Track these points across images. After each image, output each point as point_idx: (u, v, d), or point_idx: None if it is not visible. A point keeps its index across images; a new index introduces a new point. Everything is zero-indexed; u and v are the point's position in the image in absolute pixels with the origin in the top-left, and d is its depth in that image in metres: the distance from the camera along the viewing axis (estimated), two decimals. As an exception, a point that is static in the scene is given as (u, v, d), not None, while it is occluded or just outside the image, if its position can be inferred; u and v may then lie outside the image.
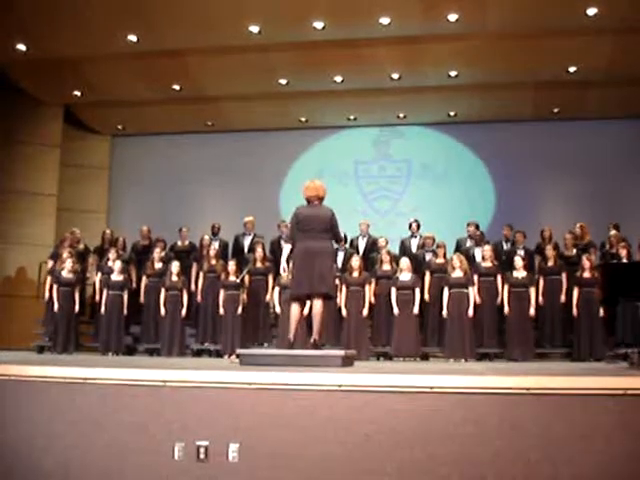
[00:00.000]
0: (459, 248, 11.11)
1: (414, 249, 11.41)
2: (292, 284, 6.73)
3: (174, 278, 10.49)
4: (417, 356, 9.81)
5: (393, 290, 9.90)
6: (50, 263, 11.44)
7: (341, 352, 6.15)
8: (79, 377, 4.69)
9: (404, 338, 9.76)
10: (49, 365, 5.10)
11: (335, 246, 10.54)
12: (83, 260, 11.74)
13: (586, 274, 9.73)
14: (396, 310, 9.83)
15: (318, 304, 6.50)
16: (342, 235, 6.94)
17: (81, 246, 12.08)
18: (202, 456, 4.23)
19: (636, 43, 11.03)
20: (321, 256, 6.50)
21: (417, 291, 9.93)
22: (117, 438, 4.47)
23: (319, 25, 10.93)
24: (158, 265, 10.93)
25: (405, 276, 9.97)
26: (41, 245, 13.42)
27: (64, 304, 10.52)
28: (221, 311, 10.23)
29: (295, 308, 6.60)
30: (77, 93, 13.70)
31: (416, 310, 9.85)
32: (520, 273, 9.91)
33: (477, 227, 11.59)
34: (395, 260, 10.52)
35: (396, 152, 14.99)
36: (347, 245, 11.36)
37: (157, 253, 11.02)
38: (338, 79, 12.84)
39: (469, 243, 11.39)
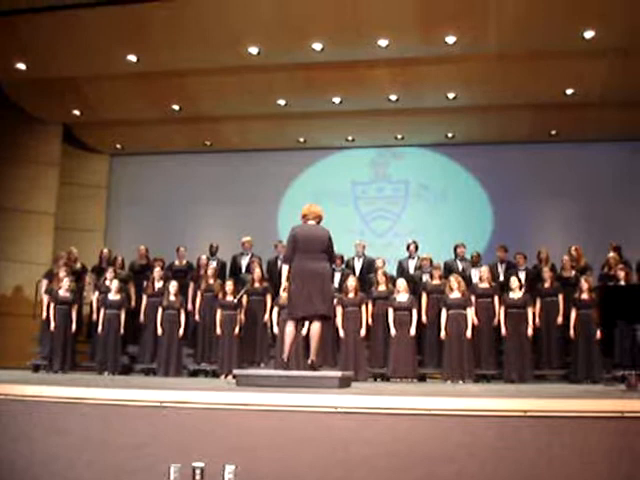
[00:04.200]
0: (449, 271, 11.07)
1: (412, 270, 11.41)
2: (289, 305, 6.72)
3: (172, 298, 10.48)
4: (414, 377, 9.79)
5: (390, 311, 9.89)
6: (45, 282, 11.41)
7: (338, 373, 6.14)
8: (75, 397, 4.67)
9: (401, 359, 9.74)
10: (45, 384, 5.09)
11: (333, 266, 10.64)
12: (80, 279, 11.72)
13: (584, 296, 9.74)
14: (393, 331, 9.83)
15: (316, 325, 6.49)
16: (335, 255, 6.94)
17: (78, 265, 12.06)
18: (198, 477, 4.20)
19: (632, 66, 11.12)
20: (319, 277, 6.50)
21: (414, 312, 9.93)
22: (113, 458, 4.44)
23: (318, 47, 11.01)
24: (159, 285, 10.92)
25: (402, 297, 9.97)
26: (38, 263, 13.40)
27: (61, 323, 10.53)
28: (218, 331, 10.21)
29: (291, 328, 6.58)
30: (76, 112, 13.74)
31: (413, 331, 9.85)
32: (516, 294, 9.92)
33: (465, 248, 11.62)
34: (391, 281, 10.53)
35: (394, 173, 15.01)
36: (343, 266, 11.38)
37: (157, 272, 11.01)
38: (336, 100, 12.89)
39: (460, 265, 11.40)
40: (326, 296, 6.56)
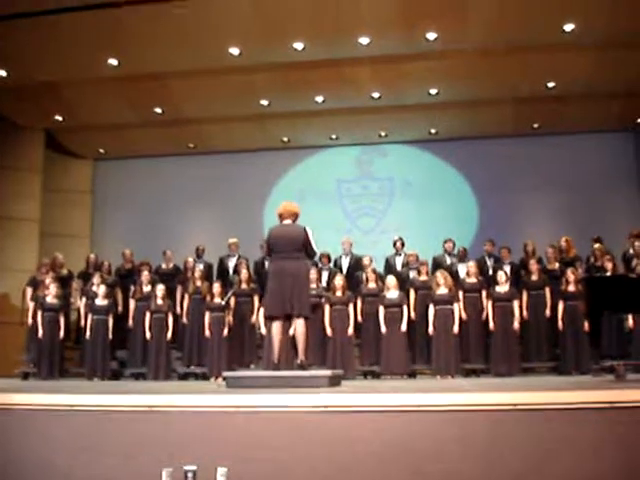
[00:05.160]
0: (438, 266, 11.09)
1: (399, 267, 11.42)
2: (266, 304, 6.72)
3: (159, 301, 10.44)
4: (405, 374, 9.80)
5: (381, 308, 9.89)
6: (29, 290, 11.32)
7: (327, 372, 6.15)
8: (65, 404, 4.65)
9: (393, 356, 9.74)
10: (34, 392, 5.06)
11: (316, 263, 10.63)
12: (66, 285, 11.65)
13: (571, 287, 9.76)
14: (384, 328, 9.82)
15: (300, 324, 6.49)
16: (315, 250, 6.84)
17: (64, 271, 12.00)
18: (190, 481, 4.19)
19: (613, 58, 11.18)
20: (294, 276, 6.50)
21: (405, 308, 9.93)
22: (104, 464, 4.42)
23: (299, 46, 11.00)
24: (147, 288, 10.87)
25: (392, 294, 9.97)
26: (24, 270, 13.26)
27: (49, 330, 10.45)
28: (207, 333, 10.17)
29: (276, 328, 6.58)
30: (58, 118, 13.68)
31: (404, 328, 9.85)
32: (503, 288, 9.95)
33: (454, 243, 11.64)
34: (380, 278, 10.53)
35: (378, 170, 15.03)
36: (331, 264, 11.38)
37: (145, 276, 10.96)
38: (319, 99, 12.90)
39: (449, 260, 11.42)
40: (302, 295, 6.56)
